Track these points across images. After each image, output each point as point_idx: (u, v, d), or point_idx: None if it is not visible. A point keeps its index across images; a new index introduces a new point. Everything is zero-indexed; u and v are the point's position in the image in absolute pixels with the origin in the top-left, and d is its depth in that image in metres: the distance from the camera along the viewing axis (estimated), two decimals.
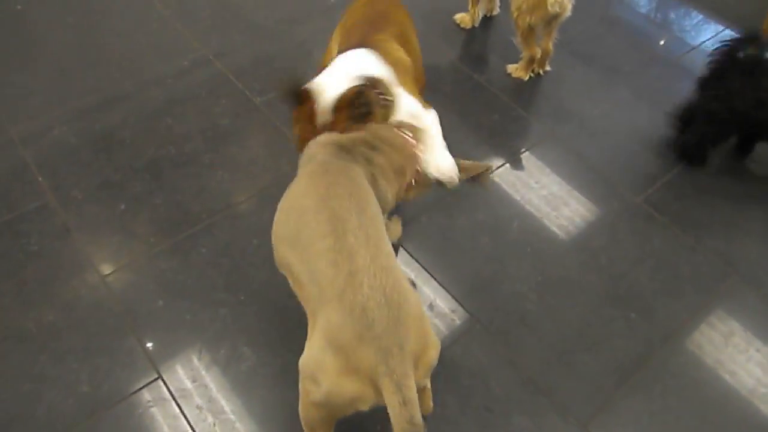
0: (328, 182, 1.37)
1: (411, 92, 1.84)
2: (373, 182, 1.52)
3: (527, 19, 2.50)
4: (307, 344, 1.27)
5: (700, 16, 3.22)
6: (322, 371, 1.19)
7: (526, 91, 2.73)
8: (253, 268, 2.02)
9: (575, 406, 1.77)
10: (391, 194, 1.60)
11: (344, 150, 1.52)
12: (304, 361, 1.26)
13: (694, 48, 3.01)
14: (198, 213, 2.17)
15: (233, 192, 2.25)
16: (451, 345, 1.87)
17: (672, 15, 3.25)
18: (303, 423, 1.38)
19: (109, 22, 2.90)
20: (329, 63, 1.82)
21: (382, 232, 1.33)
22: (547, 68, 2.79)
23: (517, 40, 2.67)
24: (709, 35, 3.08)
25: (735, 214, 2.33)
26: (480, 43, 2.94)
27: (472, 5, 2.89)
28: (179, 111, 2.52)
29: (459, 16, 2.95)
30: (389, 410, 1.13)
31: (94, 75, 2.65)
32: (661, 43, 3.11)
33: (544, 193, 2.32)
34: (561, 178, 2.37)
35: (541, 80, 2.77)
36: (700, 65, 2.88)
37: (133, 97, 2.56)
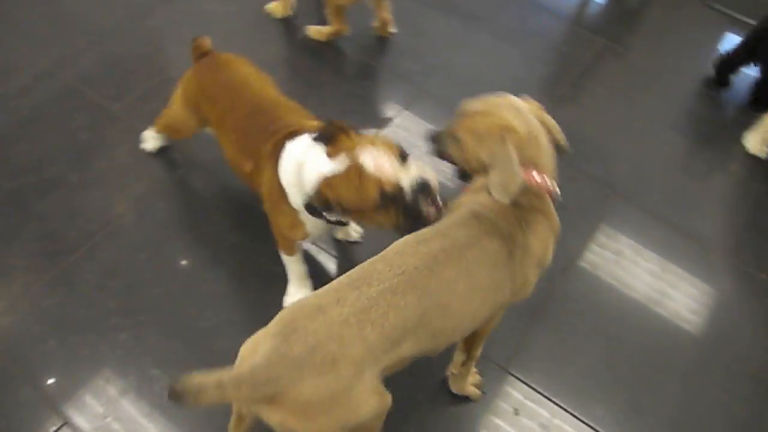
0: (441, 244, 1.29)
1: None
2: (509, 259, 1.35)
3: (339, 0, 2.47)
4: None
5: None
6: None
7: (389, 53, 2.71)
8: (146, 285, 1.92)
9: (493, 352, 1.83)
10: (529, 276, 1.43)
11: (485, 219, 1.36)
12: None
13: None
14: (75, 239, 2.01)
15: (109, 208, 2.10)
16: None
17: None
18: None
19: None
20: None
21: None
22: (393, 30, 2.73)
23: (328, 14, 2.58)
24: None
25: (607, 140, 2.46)
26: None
27: None
28: (32, 133, 2.31)
29: (271, 6, 2.77)
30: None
31: None
32: None
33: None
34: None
35: (401, 38, 2.76)
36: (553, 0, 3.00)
37: None
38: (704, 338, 1.96)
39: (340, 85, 2.57)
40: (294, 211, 1.64)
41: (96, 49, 2.59)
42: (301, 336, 1.14)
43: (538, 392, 1.79)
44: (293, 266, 1.87)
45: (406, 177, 1.42)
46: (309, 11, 2.82)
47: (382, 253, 1.30)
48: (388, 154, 1.42)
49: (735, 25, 3.02)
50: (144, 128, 2.31)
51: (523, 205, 1.35)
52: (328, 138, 1.49)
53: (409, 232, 1.42)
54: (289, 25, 2.77)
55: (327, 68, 2.62)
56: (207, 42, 1.95)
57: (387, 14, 2.64)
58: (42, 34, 2.63)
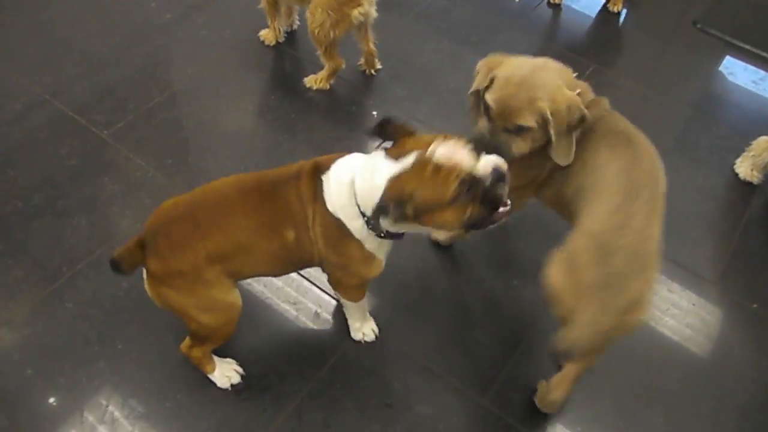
0: (633, 155, 1.55)
1: None
2: None
3: (331, 34, 2.38)
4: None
5: None
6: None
7: (376, 79, 2.72)
8: (127, 313, 1.91)
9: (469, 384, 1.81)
10: None
11: None
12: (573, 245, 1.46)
13: (538, 5, 3.12)
14: (58, 267, 2.02)
15: (93, 237, 2.11)
16: None
17: None
18: None
19: None
20: None
21: (660, 212, 1.51)
22: (378, 67, 2.71)
23: (320, 55, 2.52)
24: None
25: None
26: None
27: (271, 21, 2.72)
28: (21, 160, 2.33)
29: (263, 33, 2.78)
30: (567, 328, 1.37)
31: None
32: (516, 1, 3.21)
33: None
34: None
35: (388, 64, 2.77)
36: (546, 22, 3.01)
37: None
38: (691, 369, 1.93)
39: (332, 112, 2.58)
40: (361, 245, 1.51)
41: (89, 75, 2.62)
42: (608, 246, 1.39)
43: (514, 427, 1.76)
44: (362, 306, 1.77)
45: (482, 164, 1.35)
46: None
47: None
48: (458, 144, 1.35)
49: (728, 51, 3.00)
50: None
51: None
52: (387, 135, 1.42)
53: (478, 228, 1.42)
54: (280, 51, 2.80)
55: (317, 94, 2.63)
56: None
57: (371, 46, 2.62)
58: (36, 61, 2.67)
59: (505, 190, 1.39)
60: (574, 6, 3.16)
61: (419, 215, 1.36)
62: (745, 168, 2.45)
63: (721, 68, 2.95)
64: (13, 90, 2.55)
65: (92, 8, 2.90)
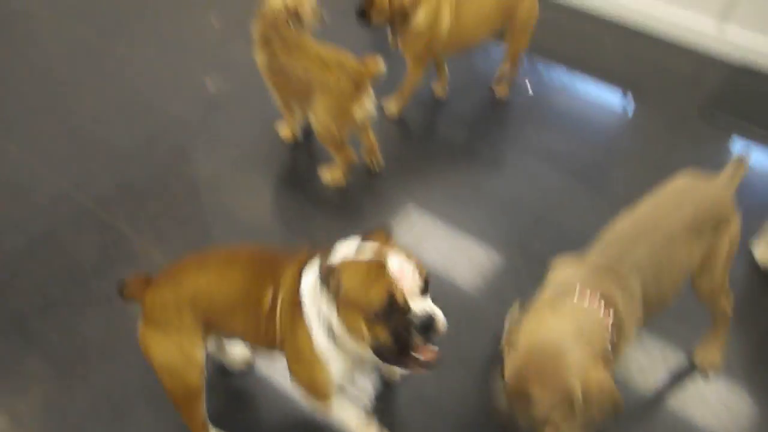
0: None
1: None
2: None
3: (336, 133, 2.47)
4: None
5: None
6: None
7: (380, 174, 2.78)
8: (137, 411, 1.88)
9: None
10: None
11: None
12: None
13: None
14: (70, 361, 2.01)
15: (108, 332, 2.11)
16: None
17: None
18: None
19: None
20: None
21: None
22: (381, 162, 2.76)
23: (330, 152, 2.60)
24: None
25: None
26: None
27: (288, 118, 2.82)
28: (42, 252, 2.38)
29: (280, 130, 2.88)
30: None
31: None
32: (530, 93, 3.32)
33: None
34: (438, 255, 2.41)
35: (395, 170, 2.83)
36: (554, 114, 3.07)
37: None
38: None
39: (346, 208, 2.62)
40: (310, 336, 1.47)
41: (112, 170, 2.71)
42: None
43: None
44: (341, 414, 1.63)
45: (420, 304, 1.32)
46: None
47: None
48: (415, 273, 1.34)
49: (737, 134, 3.04)
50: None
51: None
52: (366, 235, 1.45)
53: (390, 361, 1.36)
54: (297, 146, 2.88)
55: (333, 190, 2.69)
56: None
57: (373, 140, 2.69)
58: (63, 156, 2.78)
59: (424, 344, 1.34)
60: (583, 88, 3.26)
61: (343, 308, 1.36)
62: (763, 252, 2.43)
63: (730, 152, 2.98)
64: (39, 184, 2.64)
65: (120, 108, 3.04)
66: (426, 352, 1.35)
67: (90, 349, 2.05)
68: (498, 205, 2.62)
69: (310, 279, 1.47)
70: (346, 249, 1.44)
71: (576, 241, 2.47)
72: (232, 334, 1.72)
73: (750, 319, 2.25)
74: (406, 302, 1.30)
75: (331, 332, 1.43)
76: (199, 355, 1.62)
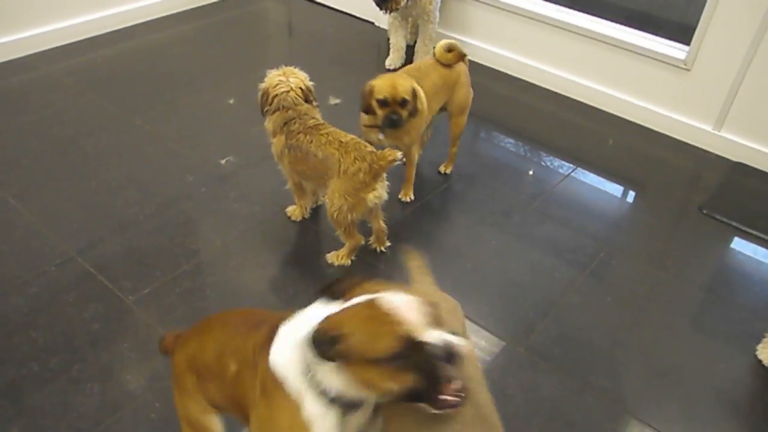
0: None
1: None
2: None
3: (348, 217, 2.52)
4: None
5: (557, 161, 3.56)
6: None
7: (394, 260, 2.81)
8: None
9: None
10: None
11: None
12: None
13: (555, 186, 3.28)
14: None
15: (103, 407, 2.08)
16: None
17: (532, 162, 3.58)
18: None
19: None
20: None
21: None
22: (388, 244, 2.80)
23: (339, 234, 2.65)
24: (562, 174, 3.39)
25: (616, 350, 2.42)
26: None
27: (298, 199, 2.88)
28: (44, 321, 2.37)
29: (289, 210, 2.94)
30: None
31: None
32: (530, 173, 3.40)
33: None
34: None
35: (409, 244, 2.87)
36: (559, 204, 3.14)
37: None
38: None
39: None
40: (294, 404, 1.29)
41: (121, 241, 2.74)
42: None
43: None
44: None
45: (435, 333, 1.18)
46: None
47: None
48: (416, 302, 1.20)
49: (737, 233, 3.09)
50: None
51: None
52: (338, 293, 1.29)
53: (425, 400, 1.21)
54: (304, 226, 2.93)
55: (338, 269, 2.71)
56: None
57: (382, 224, 2.74)
58: (74, 225, 2.81)
59: (453, 373, 1.20)
60: (585, 181, 3.33)
61: (347, 362, 1.21)
62: (767, 354, 2.42)
63: (731, 249, 3.01)
64: (47, 251, 2.67)
65: (133, 180, 3.11)
66: (451, 384, 1.21)
67: (83, 426, 2.01)
68: (497, 292, 2.63)
69: (285, 349, 1.33)
70: (317, 311, 1.31)
71: (577, 336, 2.47)
72: (210, 399, 1.59)
73: (759, 422, 2.21)
74: (421, 336, 1.17)
75: (326, 396, 1.28)
76: (208, 422, 1.58)
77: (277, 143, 2.64)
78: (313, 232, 2.91)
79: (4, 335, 2.31)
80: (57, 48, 4.23)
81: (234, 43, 4.55)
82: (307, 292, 2.56)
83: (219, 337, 1.54)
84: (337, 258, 2.70)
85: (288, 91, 2.57)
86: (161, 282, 2.55)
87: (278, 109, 2.59)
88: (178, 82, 3.98)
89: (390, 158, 2.40)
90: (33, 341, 2.29)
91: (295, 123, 2.56)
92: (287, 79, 2.61)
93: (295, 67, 2.69)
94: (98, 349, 2.27)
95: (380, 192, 2.50)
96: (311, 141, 2.51)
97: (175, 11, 4.82)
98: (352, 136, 2.53)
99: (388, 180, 2.55)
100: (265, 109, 2.64)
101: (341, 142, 2.48)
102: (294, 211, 2.92)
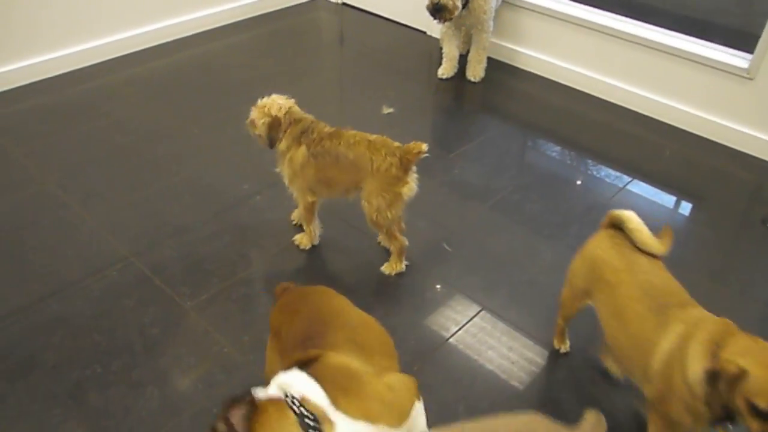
0: None
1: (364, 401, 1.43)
2: None
3: (388, 215, 2.51)
4: None
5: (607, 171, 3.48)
6: None
7: (453, 268, 2.79)
8: None
9: None
10: None
11: None
12: None
13: (613, 197, 3.21)
14: None
15: (162, 411, 2.12)
16: None
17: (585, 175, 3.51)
18: None
19: (35, 236, 2.88)
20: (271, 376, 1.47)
21: None
22: (406, 264, 2.74)
23: (382, 239, 2.68)
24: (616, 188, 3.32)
25: None
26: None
27: (307, 225, 2.81)
28: (106, 325, 2.44)
29: (297, 238, 2.87)
30: None
31: (18, 294, 2.57)
32: (578, 182, 3.34)
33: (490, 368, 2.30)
34: (497, 355, 2.38)
35: (464, 254, 2.85)
36: None
37: (59, 315, 2.48)
38: None
39: (399, 298, 2.63)
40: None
41: (180, 248, 2.81)
42: None
43: None
44: None
45: None
46: None
47: None
48: None
49: None
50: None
51: None
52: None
53: None
54: (314, 253, 2.87)
55: (344, 289, 2.71)
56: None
57: (402, 224, 2.70)
58: (135, 232, 2.90)
59: None
60: (641, 193, 3.25)
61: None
62: None
63: None
64: (110, 257, 2.75)
65: (190, 188, 3.18)
66: None
67: (143, 429, 2.06)
68: (555, 306, 2.59)
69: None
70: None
71: None
72: None
73: None
74: None
75: None
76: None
77: (296, 156, 2.57)
78: (368, 240, 2.92)
79: (69, 337, 2.39)
80: (116, 59, 4.38)
81: (287, 53, 4.62)
82: (364, 300, 2.56)
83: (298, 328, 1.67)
84: (392, 268, 2.71)
85: (290, 107, 2.60)
86: (218, 288, 2.60)
87: (290, 124, 2.58)
88: (233, 91, 4.07)
89: (416, 150, 2.42)
90: (96, 344, 2.36)
91: (312, 132, 2.56)
92: (278, 101, 2.60)
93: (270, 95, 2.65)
94: (157, 354, 2.33)
95: (412, 185, 2.53)
96: (339, 143, 2.51)
97: (228, 22, 4.94)
98: (377, 135, 2.53)
99: None
100: (280, 134, 2.58)
101: (369, 141, 2.49)
102: (302, 239, 2.84)
